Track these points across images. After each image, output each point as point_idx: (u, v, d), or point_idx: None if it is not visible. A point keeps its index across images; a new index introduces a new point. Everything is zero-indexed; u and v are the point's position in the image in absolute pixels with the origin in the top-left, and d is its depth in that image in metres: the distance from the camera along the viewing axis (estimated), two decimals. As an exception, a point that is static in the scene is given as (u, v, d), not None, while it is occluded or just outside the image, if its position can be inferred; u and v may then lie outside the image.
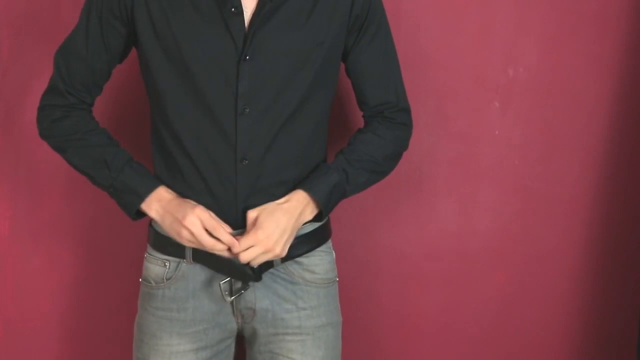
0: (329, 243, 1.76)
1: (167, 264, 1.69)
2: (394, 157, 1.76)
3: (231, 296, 1.64)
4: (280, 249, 1.60)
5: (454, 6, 2.00)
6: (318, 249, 1.72)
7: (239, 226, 1.63)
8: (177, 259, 1.68)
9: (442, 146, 2.03)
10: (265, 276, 1.67)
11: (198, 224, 1.58)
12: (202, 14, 1.59)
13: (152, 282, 1.70)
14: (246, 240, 1.58)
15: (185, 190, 1.64)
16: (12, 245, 2.05)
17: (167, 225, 1.62)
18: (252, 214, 1.61)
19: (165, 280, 1.68)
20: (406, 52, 1.93)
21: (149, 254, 1.73)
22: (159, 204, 1.63)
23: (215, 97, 1.59)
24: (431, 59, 2.01)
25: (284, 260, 1.67)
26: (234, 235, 1.61)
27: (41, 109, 1.73)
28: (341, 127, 1.99)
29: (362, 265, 2.06)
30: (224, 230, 1.59)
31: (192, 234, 1.58)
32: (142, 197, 1.64)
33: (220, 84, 1.58)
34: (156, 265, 1.70)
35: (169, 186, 1.66)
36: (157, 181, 1.66)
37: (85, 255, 2.06)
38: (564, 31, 2.01)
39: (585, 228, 2.06)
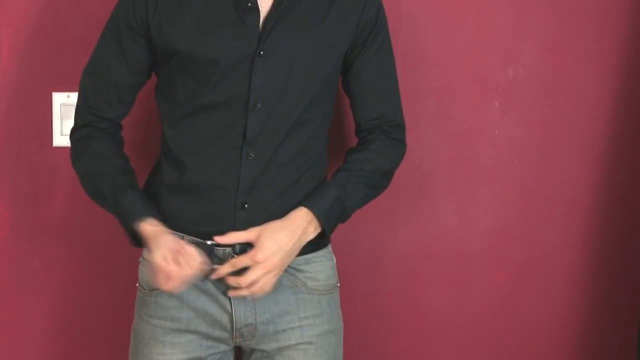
0: (329, 248, 1.75)
1: None
2: (389, 175, 1.75)
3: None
4: (282, 269, 1.59)
5: (454, 6, 2.00)
6: (318, 254, 1.70)
7: (236, 224, 1.60)
8: None
9: (442, 146, 2.03)
10: None
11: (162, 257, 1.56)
12: (217, 9, 1.60)
13: (146, 287, 1.68)
14: (242, 260, 1.56)
15: (185, 184, 1.62)
16: (12, 245, 2.05)
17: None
18: (252, 233, 1.58)
19: (157, 287, 1.64)
20: (406, 52, 1.93)
21: (143, 257, 1.70)
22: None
23: (227, 92, 1.59)
24: (431, 59, 2.01)
25: None
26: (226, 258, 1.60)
27: (71, 131, 1.72)
28: (341, 125, 1.99)
29: (362, 265, 2.05)
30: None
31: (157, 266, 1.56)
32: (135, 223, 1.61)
33: (234, 79, 1.58)
34: (149, 269, 1.65)
35: (170, 181, 1.64)
36: (146, 212, 1.62)
37: (85, 256, 2.06)
38: (563, 31, 2.00)
39: (585, 228, 2.06)
